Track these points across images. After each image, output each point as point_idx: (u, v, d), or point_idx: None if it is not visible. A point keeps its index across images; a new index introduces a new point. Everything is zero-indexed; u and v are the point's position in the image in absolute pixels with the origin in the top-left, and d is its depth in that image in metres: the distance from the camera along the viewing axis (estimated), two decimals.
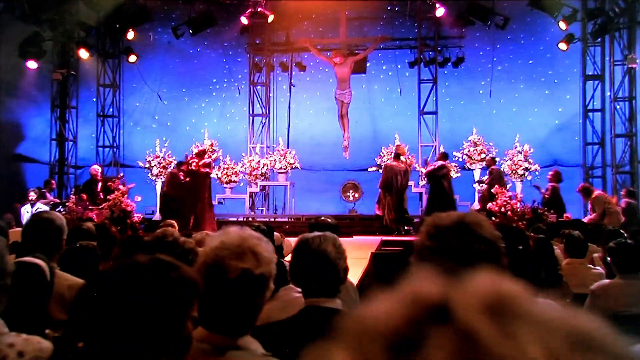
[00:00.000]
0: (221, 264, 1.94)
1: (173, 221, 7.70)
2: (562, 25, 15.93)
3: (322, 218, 4.51)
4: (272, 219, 16.93)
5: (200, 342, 1.90)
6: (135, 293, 1.61)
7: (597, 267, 5.58)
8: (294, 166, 17.28)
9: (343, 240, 10.07)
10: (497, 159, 15.59)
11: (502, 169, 15.43)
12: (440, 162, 14.57)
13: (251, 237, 2.01)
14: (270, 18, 17.57)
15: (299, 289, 2.88)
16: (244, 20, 17.54)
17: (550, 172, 14.44)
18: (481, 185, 14.96)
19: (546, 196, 13.79)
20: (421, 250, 1.86)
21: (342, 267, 2.72)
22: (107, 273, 1.77)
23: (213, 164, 15.31)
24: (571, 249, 5.86)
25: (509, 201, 12.89)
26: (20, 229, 7.11)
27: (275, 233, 6.38)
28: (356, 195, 18.13)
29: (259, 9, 17.31)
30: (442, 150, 15.81)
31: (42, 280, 3.12)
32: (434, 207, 13.56)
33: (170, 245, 2.65)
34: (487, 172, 14.81)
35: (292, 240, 7.03)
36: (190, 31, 17.57)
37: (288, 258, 7.05)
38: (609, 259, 4.63)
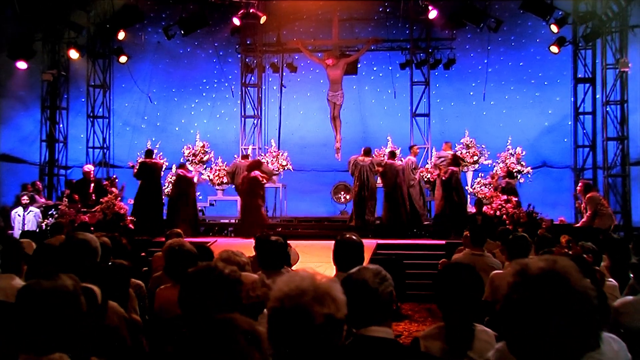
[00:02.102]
0: (304, 310, 1.92)
1: (179, 230, 7.64)
2: (554, 28, 16.02)
3: (348, 236, 4.47)
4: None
5: None
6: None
7: (610, 279, 5.60)
8: (286, 168, 17.24)
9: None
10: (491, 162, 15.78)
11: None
12: (451, 168, 14.49)
13: (325, 280, 1.99)
14: (263, 19, 17.49)
15: None
16: (236, 21, 17.43)
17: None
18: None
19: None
20: (508, 304, 1.81)
21: (385, 295, 2.72)
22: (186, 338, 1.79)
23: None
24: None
25: (503, 205, 12.94)
26: (27, 239, 7.06)
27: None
28: (347, 197, 18.11)
29: (251, 10, 17.21)
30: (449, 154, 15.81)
31: (96, 307, 3.09)
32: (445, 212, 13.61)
33: (217, 282, 2.61)
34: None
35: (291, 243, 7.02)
36: (182, 32, 17.42)
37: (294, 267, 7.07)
38: (631, 275, 4.65)
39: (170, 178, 16.36)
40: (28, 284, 2.35)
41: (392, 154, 15.21)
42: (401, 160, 15.65)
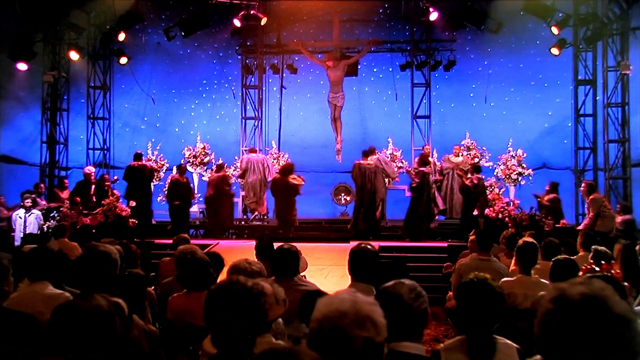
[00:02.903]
0: (343, 333, 1.92)
1: (186, 235, 7.65)
2: (555, 30, 16.06)
3: (363, 245, 4.47)
4: (266, 223, 16.90)
5: None
6: None
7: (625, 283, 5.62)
8: None
9: (338, 246, 10.10)
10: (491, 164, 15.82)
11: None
12: (477, 175, 14.40)
13: (366, 303, 1.99)
14: (264, 21, 17.48)
15: None
16: (236, 22, 17.40)
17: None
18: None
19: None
20: (547, 331, 1.79)
21: (420, 311, 2.73)
22: None
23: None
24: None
25: (505, 207, 12.95)
26: (34, 245, 7.02)
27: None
28: (347, 199, 18.12)
29: (252, 12, 17.20)
30: (470, 161, 15.86)
31: (124, 321, 3.10)
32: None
33: (241, 296, 2.61)
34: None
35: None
36: (183, 33, 17.40)
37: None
38: None
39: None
40: (64, 304, 2.37)
41: (365, 153, 15.01)
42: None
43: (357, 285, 4.20)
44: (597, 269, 5.41)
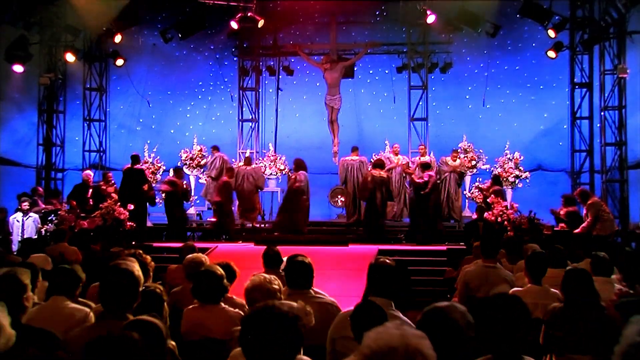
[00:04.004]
0: None
1: (193, 243, 7.64)
2: (551, 33, 16.13)
3: (382, 260, 4.47)
4: (263, 225, 16.86)
5: None
6: None
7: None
8: (284, 172, 17.23)
9: (338, 249, 10.09)
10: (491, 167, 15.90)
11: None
12: (427, 172, 14.61)
13: (414, 336, 1.99)
14: (261, 23, 17.43)
15: None
16: (234, 25, 17.36)
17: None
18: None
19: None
20: None
21: (467, 338, 2.73)
22: None
23: None
24: (598, 269, 6.05)
25: (505, 211, 12.98)
26: (42, 254, 7.01)
27: None
28: (344, 200, 18.08)
29: (249, 14, 17.17)
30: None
31: (160, 341, 3.11)
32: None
33: (278, 321, 2.62)
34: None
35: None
36: (180, 35, 17.37)
37: None
38: None
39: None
40: (97, 338, 2.39)
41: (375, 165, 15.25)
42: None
43: (376, 300, 4.20)
44: (631, 291, 5.41)
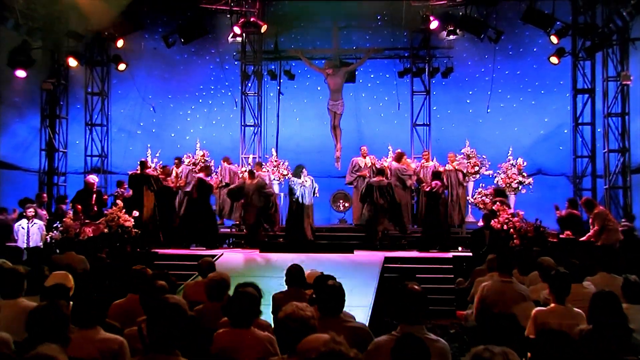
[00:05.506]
0: None
1: (210, 259, 7.61)
2: (554, 39, 16.17)
3: (410, 286, 4.45)
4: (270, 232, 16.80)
5: None
6: None
7: None
8: (287, 177, 17.20)
9: (343, 256, 10.05)
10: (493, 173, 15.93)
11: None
12: (435, 182, 14.66)
13: None
14: (264, 28, 17.44)
15: None
16: (237, 30, 17.35)
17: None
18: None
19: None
20: None
21: None
22: None
23: None
24: (629, 294, 5.95)
25: (510, 218, 13.01)
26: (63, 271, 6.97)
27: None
28: (346, 205, 18.10)
29: (252, 19, 17.16)
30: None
31: None
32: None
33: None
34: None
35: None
36: (182, 40, 17.34)
37: None
38: None
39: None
40: None
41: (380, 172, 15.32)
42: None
43: (406, 328, 4.22)
44: None
